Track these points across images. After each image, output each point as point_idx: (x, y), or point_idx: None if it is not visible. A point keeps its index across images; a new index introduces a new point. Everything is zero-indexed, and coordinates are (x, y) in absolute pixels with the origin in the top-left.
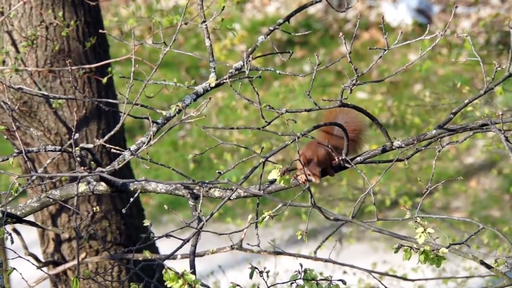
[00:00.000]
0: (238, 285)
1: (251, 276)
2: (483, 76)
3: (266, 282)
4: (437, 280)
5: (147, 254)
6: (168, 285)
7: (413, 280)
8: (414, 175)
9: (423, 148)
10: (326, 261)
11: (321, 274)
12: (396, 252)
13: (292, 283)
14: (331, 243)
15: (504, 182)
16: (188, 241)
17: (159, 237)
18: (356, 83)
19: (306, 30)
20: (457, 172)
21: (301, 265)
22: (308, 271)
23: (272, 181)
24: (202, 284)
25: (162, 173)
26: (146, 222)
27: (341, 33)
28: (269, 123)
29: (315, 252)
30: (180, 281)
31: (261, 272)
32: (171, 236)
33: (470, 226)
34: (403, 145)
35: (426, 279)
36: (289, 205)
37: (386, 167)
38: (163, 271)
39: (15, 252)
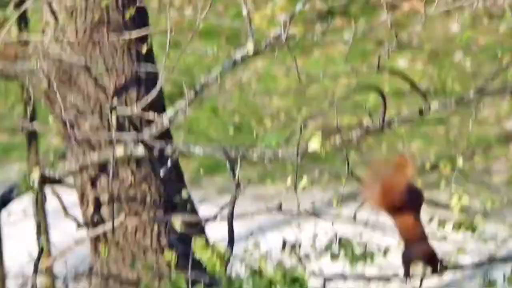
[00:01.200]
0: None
1: (283, 249)
2: None
3: (298, 255)
4: (476, 241)
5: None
6: (198, 256)
7: (453, 242)
8: (454, 140)
9: (461, 111)
10: (365, 223)
11: (360, 235)
12: (429, 223)
13: (328, 249)
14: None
15: None
16: (225, 207)
17: (200, 202)
18: (394, 48)
19: None
20: (497, 137)
21: (336, 234)
22: (344, 239)
23: (312, 149)
24: (232, 256)
25: (201, 139)
26: (185, 194)
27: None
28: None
29: (354, 215)
30: (209, 251)
31: (293, 246)
32: (209, 201)
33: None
34: (440, 108)
35: (466, 242)
36: (327, 173)
37: (425, 131)
38: (193, 239)
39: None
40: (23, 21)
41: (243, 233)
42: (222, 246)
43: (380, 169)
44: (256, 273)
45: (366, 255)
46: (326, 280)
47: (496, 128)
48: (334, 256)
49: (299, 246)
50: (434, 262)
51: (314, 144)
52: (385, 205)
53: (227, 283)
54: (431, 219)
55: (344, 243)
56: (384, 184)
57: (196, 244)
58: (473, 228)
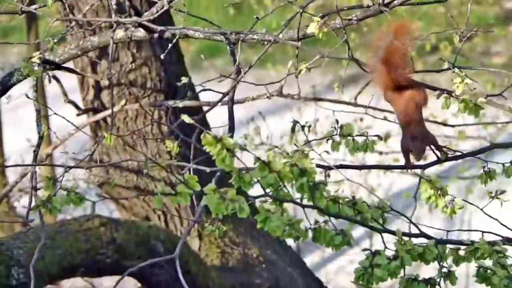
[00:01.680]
0: (276, 146)
1: (293, 130)
2: None
3: (307, 136)
4: (477, 126)
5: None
6: (207, 150)
7: (453, 126)
8: (454, 20)
9: None
10: (366, 107)
11: (361, 120)
12: (437, 98)
13: (328, 139)
14: (372, 89)
15: None
16: (227, 94)
17: (200, 90)
18: None
19: None
20: (497, 16)
21: (337, 121)
22: (344, 127)
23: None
24: (241, 148)
25: (201, 22)
26: (184, 80)
27: None
28: None
29: (355, 98)
30: (219, 146)
31: (302, 127)
32: (210, 89)
33: (511, 68)
34: None
35: (466, 125)
36: (327, 56)
37: (426, 12)
38: (202, 135)
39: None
40: None
41: (243, 118)
42: (231, 139)
43: (381, 39)
44: (266, 166)
45: (367, 144)
46: (329, 170)
47: (496, 7)
48: (335, 146)
49: (309, 128)
50: (435, 147)
51: (312, 29)
52: (390, 78)
53: (237, 177)
54: (438, 96)
55: (344, 131)
56: (386, 52)
57: (205, 138)
58: (476, 110)
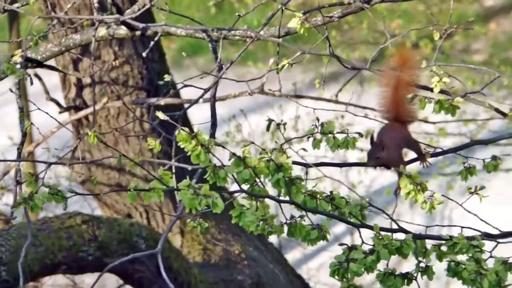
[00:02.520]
0: (252, 142)
1: (268, 129)
2: None
3: (283, 135)
4: (458, 122)
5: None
6: (181, 146)
7: (434, 123)
8: (434, 18)
9: None
10: (347, 104)
11: (342, 117)
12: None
13: (309, 137)
14: (352, 86)
15: None
16: (209, 90)
17: (181, 87)
18: None
19: None
20: (477, 14)
21: (318, 119)
22: (325, 124)
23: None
24: (216, 144)
25: (183, 20)
26: (167, 78)
27: None
28: None
29: (336, 95)
30: (193, 142)
31: (278, 125)
32: (191, 85)
33: (491, 66)
34: None
35: (447, 122)
36: (308, 53)
37: (406, 10)
38: (176, 132)
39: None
40: None
41: (225, 115)
42: (206, 135)
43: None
44: (241, 161)
45: (348, 141)
46: (308, 167)
47: (476, 5)
48: (316, 143)
49: (284, 125)
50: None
51: (293, 24)
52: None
53: (212, 173)
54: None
55: (325, 129)
56: (395, 90)
57: (179, 135)
58: (453, 109)
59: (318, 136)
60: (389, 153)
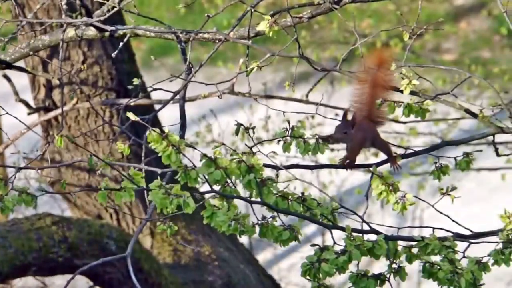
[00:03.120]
0: (223, 144)
1: (236, 133)
2: None
3: (252, 138)
4: (428, 122)
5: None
6: (152, 147)
7: (404, 123)
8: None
9: None
10: (318, 104)
11: (312, 117)
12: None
13: (280, 140)
14: (323, 86)
15: (494, 23)
16: (179, 92)
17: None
18: None
19: None
20: (447, 13)
21: (289, 122)
22: (295, 128)
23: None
24: (187, 145)
25: (152, 21)
26: (136, 81)
27: None
28: None
29: (306, 96)
30: (164, 143)
31: (246, 129)
32: (161, 89)
33: (462, 65)
34: None
35: (417, 121)
36: (278, 55)
37: (376, 9)
38: (147, 132)
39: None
40: None
41: (195, 116)
42: (176, 135)
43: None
44: (212, 162)
45: (318, 146)
46: (278, 170)
47: (446, 4)
48: (286, 147)
49: (253, 129)
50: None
51: (262, 26)
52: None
53: (184, 173)
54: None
55: (295, 133)
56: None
57: (150, 136)
58: (423, 112)
59: (289, 139)
60: (357, 134)
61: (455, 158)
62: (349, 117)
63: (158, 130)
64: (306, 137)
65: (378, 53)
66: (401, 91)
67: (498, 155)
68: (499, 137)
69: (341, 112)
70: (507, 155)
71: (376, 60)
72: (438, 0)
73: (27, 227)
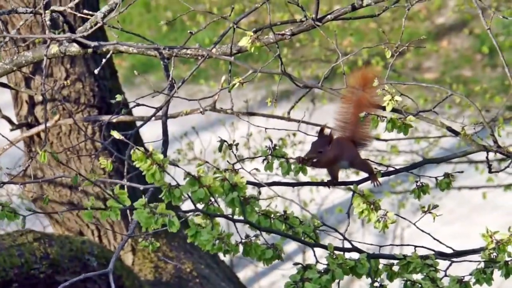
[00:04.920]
0: (206, 162)
1: (220, 150)
2: None
3: (235, 155)
4: (409, 140)
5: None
6: (137, 165)
7: (386, 140)
8: (385, 36)
9: (393, 5)
10: (299, 121)
11: (294, 135)
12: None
13: (264, 159)
14: (304, 104)
15: (475, 41)
16: (161, 109)
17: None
18: None
19: None
20: (429, 32)
21: (271, 140)
22: (278, 147)
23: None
24: (171, 163)
25: (134, 38)
26: (118, 98)
27: None
28: None
29: (288, 113)
30: (148, 161)
31: (230, 145)
32: (143, 105)
33: (443, 84)
34: (372, 3)
35: (399, 139)
36: (260, 71)
37: (357, 28)
38: (131, 151)
39: None
40: None
41: (177, 133)
42: (160, 153)
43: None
44: (195, 181)
45: (301, 168)
46: (260, 187)
47: (427, 23)
48: (269, 166)
49: (236, 146)
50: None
51: (244, 42)
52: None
53: (168, 192)
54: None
55: (277, 153)
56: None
57: (134, 154)
58: (406, 127)
59: (270, 158)
60: (331, 152)
61: (436, 178)
62: (326, 133)
63: (142, 148)
64: (288, 157)
65: (363, 73)
66: (384, 108)
67: (490, 171)
68: (480, 155)
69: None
70: (499, 171)
71: (361, 80)
72: (419, 19)
73: (9, 243)
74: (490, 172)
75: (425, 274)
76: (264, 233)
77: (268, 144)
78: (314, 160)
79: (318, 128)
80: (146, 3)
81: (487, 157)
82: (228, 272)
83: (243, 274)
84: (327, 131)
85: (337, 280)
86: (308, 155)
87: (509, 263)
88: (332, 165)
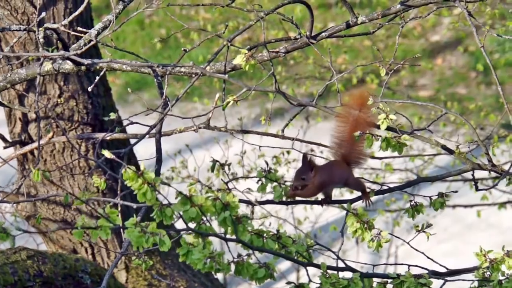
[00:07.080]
0: (198, 180)
1: (212, 170)
2: None
3: (228, 175)
4: (404, 158)
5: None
6: (128, 185)
7: (380, 158)
8: (380, 54)
9: (387, 23)
10: (293, 139)
11: (288, 152)
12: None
13: (259, 180)
14: (298, 122)
15: (470, 59)
16: (155, 126)
17: (127, 124)
18: None
19: None
20: (423, 50)
21: (267, 163)
22: (272, 172)
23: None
24: (162, 182)
25: (128, 55)
26: (113, 116)
27: None
28: (233, 1)
29: (282, 131)
30: (140, 180)
31: (222, 165)
32: (137, 122)
33: (438, 101)
34: (367, 21)
35: (393, 157)
36: (254, 89)
37: (352, 45)
38: (123, 170)
39: None
40: None
41: (170, 151)
42: (152, 171)
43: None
44: (187, 200)
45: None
46: (254, 205)
47: (422, 40)
48: (262, 187)
49: (228, 165)
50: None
51: (238, 60)
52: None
53: (159, 211)
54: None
55: (271, 176)
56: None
57: (125, 173)
58: (400, 146)
59: (264, 180)
60: (316, 179)
61: (430, 197)
62: (308, 160)
63: (133, 167)
64: (281, 182)
65: (360, 93)
66: (377, 126)
67: (477, 189)
68: (475, 173)
69: (315, 147)
70: (485, 189)
71: (358, 100)
72: (414, 37)
73: (2, 260)
74: (477, 190)
75: None
76: (257, 252)
77: (264, 166)
78: (300, 189)
79: (313, 146)
80: (140, 21)
81: (473, 175)
82: None
83: None
84: (308, 158)
85: None
86: (294, 184)
87: (503, 282)
88: (320, 191)
